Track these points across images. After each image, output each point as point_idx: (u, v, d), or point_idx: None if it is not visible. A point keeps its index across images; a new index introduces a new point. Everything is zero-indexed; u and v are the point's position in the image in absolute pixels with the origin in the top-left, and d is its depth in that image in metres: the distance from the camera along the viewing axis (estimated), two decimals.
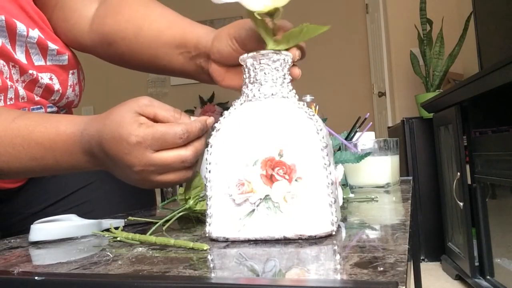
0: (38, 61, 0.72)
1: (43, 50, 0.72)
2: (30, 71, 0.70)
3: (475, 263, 1.67)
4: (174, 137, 0.48)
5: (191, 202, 0.54)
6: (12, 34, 0.67)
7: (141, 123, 0.48)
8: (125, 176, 0.52)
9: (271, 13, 0.48)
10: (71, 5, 0.75)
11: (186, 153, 0.49)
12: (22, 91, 0.69)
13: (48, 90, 0.73)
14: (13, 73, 0.69)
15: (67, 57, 0.75)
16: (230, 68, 0.61)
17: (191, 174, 0.52)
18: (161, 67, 0.68)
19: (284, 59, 0.47)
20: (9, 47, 0.67)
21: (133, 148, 0.48)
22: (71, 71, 0.77)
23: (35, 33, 0.70)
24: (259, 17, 0.47)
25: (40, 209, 0.78)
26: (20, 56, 0.69)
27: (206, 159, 0.45)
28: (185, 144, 0.49)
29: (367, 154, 0.83)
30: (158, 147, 0.48)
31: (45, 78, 0.72)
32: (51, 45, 0.73)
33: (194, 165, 0.52)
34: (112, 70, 0.83)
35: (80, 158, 0.55)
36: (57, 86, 0.74)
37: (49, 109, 0.75)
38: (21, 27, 0.68)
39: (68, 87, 0.77)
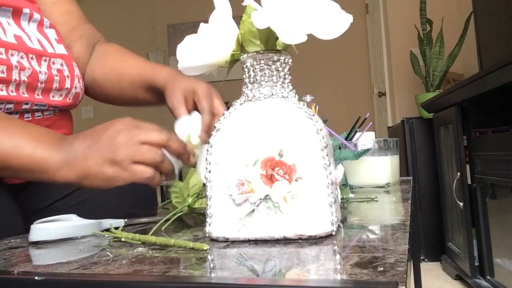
0: (50, 48, 0.78)
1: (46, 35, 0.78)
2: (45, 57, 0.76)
3: (475, 263, 1.67)
4: (159, 136, 0.56)
5: (189, 200, 0.54)
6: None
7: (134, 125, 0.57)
8: (97, 155, 0.55)
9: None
10: (76, 51, 0.86)
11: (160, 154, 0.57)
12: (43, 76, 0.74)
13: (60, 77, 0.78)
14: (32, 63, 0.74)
15: (63, 46, 0.81)
16: None
17: (158, 178, 0.57)
18: (138, 101, 0.87)
19: (284, 60, 0.47)
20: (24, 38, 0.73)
21: (122, 130, 0.55)
22: (73, 62, 0.81)
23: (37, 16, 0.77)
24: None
25: (47, 205, 0.79)
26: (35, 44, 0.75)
27: (206, 159, 0.45)
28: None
29: (366, 150, 0.84)
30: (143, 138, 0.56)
31: (57, 63, 0.77)
32: (50, 31, 0.80)
33: (161, 170, 0.58)
34: None
35: (44, 134, 0.58)
36: (66, 73, 0.78)
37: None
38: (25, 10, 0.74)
39: (75, 77, 0.80)
